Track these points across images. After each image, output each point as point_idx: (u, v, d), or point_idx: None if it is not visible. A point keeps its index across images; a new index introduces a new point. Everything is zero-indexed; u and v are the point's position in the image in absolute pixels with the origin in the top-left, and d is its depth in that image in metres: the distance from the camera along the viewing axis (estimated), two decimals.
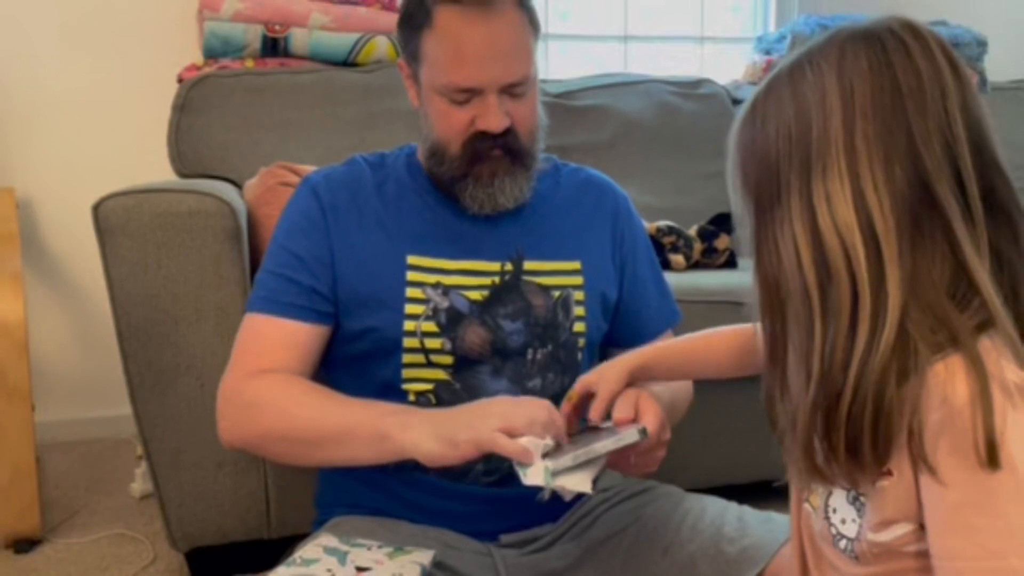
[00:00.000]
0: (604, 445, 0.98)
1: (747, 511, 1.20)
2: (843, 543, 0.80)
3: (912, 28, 0.76)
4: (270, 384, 1.14)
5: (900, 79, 0.74)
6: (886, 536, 0.76)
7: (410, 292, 1.19)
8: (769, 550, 1.08)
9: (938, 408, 0.70)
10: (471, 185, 1.19)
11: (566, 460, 0.97)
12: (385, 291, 1.19)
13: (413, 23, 1.18)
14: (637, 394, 1.05)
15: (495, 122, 1.15)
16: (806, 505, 0.86)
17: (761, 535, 1.11)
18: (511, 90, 1.16)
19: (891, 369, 0.72)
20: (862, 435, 0.73)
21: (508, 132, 1.17)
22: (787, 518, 1.14)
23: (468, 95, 1.15)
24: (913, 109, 0.74)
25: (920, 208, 0.73)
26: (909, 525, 0.75)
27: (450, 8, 1.13)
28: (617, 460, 1.04)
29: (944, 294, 0.73)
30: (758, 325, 0.82)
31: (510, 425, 0.99)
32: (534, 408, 1.01)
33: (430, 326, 1.18)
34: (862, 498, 0.78)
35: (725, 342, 1.08)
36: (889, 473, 0.74)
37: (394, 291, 1.19)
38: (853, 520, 0.79)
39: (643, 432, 0.98)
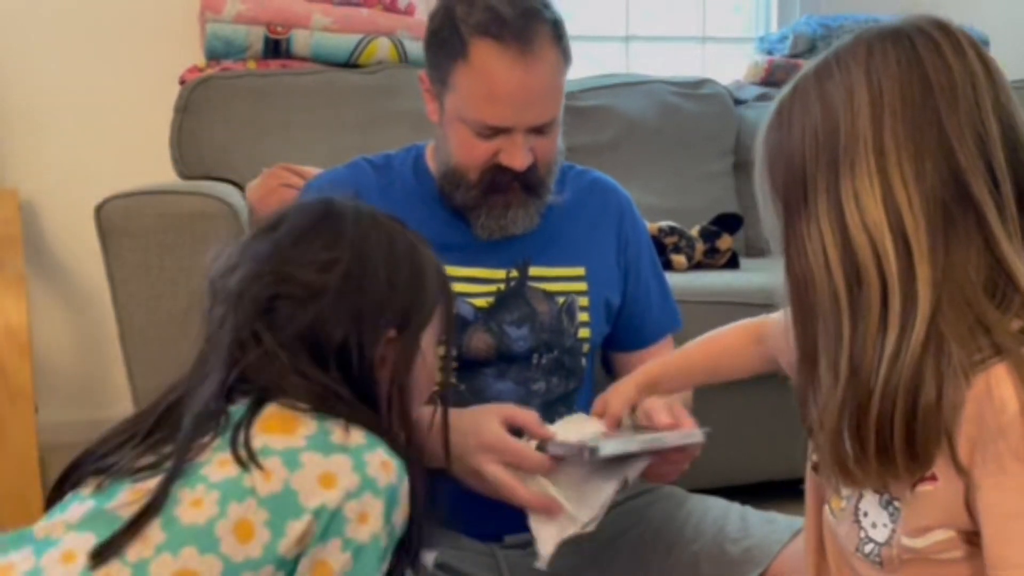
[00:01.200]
0: (672, 438, 0.97)
1: (749, 512, 1.20)
2: (869, 547, 0.79)
3: (942, 26, 0.75)
4: None
5: (930, 76, 0.73)
6: (923, 542, 0.75)
7: None
8: (771, 550, 1.08)
9: (987, 417, 0.69)
10: (483, 215, 1.18)
11: (632, 444, 0.96)
12: None
13: (446, 50, 1.13)
14: (669, 404, 1.05)
15: (519, 161, 1.13)
16: (826, 509, 0.85)
17: (763, 536, 1.11)
18: (540, 127, 1.14)
19: (925, 370, 0.70)
20: (893, 438, 0.72)
21: (529, 168, 1.15)
22: (789, 519, 1.15)
23: (495, 131, 1.13)
24: (944, 105, 0.72)
25: (953, 205, 0.72)
26: (949, 532, 0.74)
27: (488, 44, 1.09)
28: (649, 466, 1.03)
29: (981, 292, 0.72)
30: (790, 326, 0.81)
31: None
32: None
33: None
34: (896, 503, 0.77)
35: (742, 343, 1.06)
36: (933, 479, 0.73)
37: None
38: (884, 524, 0.78)
39: (706, 434, 0.98)
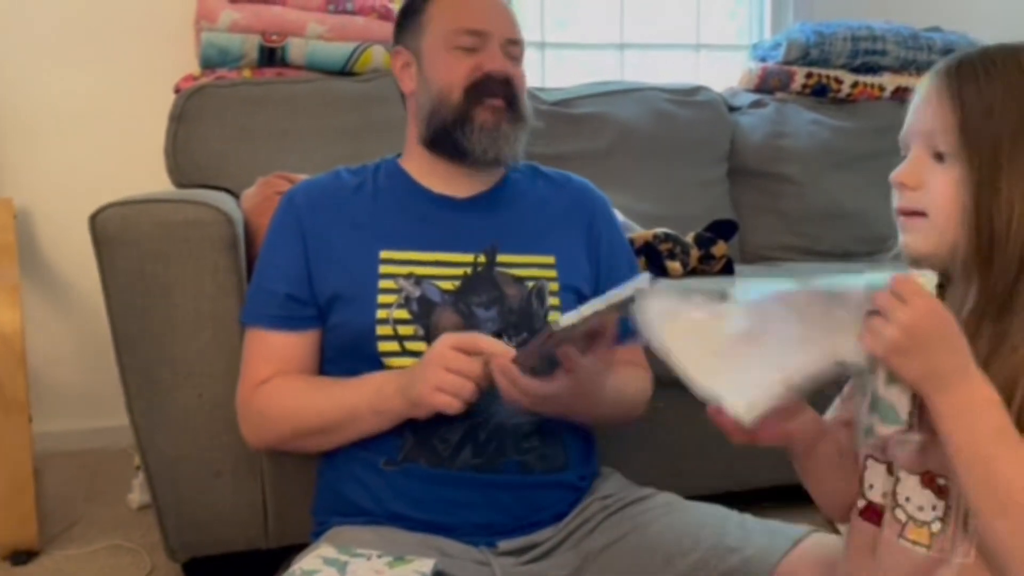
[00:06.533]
0: (616, 290, 0.97)
1: (748, 519, 1.20)
2: None
3: None
4: (269, 394, 1.25)
5: None
6: None
7: (383, 284, 1.23)
8: (771, 560, 1.08)
9: None
10: (476, 130, 1.24)
11: (584, 310, 0.97)
12: (358, 287, 1.23)
13: (416, 3, 1.29)
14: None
15: (500, 64, 1.24)
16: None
17: (763, 545, 1.10)
18: (510, 50, 1.26)
19: None
20: None
21: (510, 85, 1.24)
22: (790, 527, 1.13)
23: (475, 40, 1.24)
24: None
25: None
26: None
27: None
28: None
29: None
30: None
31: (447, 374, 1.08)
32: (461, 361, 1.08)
33: (402, 313, 1.21)
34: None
35: None
36: None
37: (367, 286, 1.22)
38: None
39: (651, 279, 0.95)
